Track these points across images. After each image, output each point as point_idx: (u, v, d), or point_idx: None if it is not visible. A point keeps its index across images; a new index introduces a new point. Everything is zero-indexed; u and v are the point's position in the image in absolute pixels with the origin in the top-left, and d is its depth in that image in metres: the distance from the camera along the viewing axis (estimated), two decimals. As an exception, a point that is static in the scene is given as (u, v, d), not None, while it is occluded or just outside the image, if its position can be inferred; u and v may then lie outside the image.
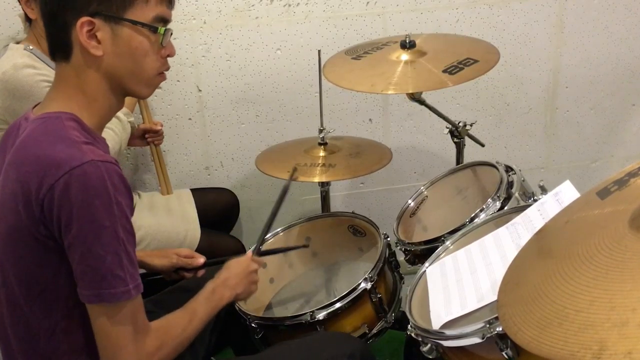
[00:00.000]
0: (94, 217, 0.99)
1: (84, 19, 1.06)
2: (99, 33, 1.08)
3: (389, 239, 1.67)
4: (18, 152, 1.08)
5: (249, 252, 1.48)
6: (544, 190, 1.42)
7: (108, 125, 1.78)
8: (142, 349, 1.08)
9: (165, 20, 1.14)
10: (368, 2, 2.26)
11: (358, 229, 1.82)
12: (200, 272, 1.57)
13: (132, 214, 1.08)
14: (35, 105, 1.18)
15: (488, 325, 1.04)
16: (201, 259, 1.58)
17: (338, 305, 1.48)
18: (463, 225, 1.50)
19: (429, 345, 1.17)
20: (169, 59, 1.19)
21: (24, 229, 1.04)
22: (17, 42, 1.84)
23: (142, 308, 1.09)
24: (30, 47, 1.79)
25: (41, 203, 1.01)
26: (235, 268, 1.39)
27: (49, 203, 1.00)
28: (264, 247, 1.74)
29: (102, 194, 1.00)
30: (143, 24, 1.10)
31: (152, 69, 1.15)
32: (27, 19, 1.84)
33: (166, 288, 1.62)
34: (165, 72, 1.20)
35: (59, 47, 1.11)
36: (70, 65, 1.11)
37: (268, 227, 1.57)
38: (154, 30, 1.12)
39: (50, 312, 1.09)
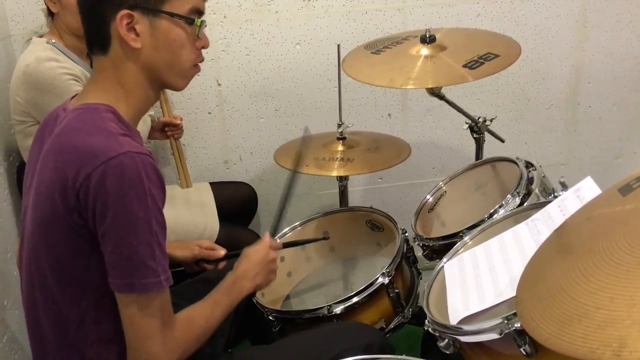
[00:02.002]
0: (128, 208, 1.01)
1: (124, 11, 1.08)
2: (138, 26, 1.10)
3: (406, 234, 1.67)
4: (56, 141, 1.10)
5: (266, 238, 1.43)
6: (564, 187, 1.41)
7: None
8: (169, 340, 1.09)
9: (200, 12, 1.16)
10: (388, -3, 2.25)
11: (376, 224, 1.82)
12: (221, 264, 1.58)
13: (164, 206, 1.09)
14: (73, 97, 1.20)
15: (506, 321, 1.03)
16: (222, 251, 1.59)
17: (355, 299, 1.48)
18: (482, 221, 1.49)
19: (446, 340, 1.17)
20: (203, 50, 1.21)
21: (59, 216, 1.06)
22: (40, 36, 1.86)
23: (169, 300, 1.11)
24: (53, 41, 1.82)
25: (77, 192, 1.02)
26: (254, 257, 1.38)
27: (84, 192, 1.02)
28: (284, 240, 1.75)
29: (137, 186, 1.01)
30: (180, 16, 1.12)
31: (188, 61, 1.17)
32: (50, 13, 1.86)
33: (186, 280, 1.63)
34: (200, 64, 1.21)
35: (96, 40, 1.13)
36: (108, 57, 1.13)
37: (281, 212, 1.56)
38: (191, 22, 1.13)
39: (81, 300, 1.11)
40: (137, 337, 1.07)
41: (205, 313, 1.21)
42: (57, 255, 1.09)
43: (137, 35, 1.10)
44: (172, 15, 1.11)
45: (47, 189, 1.08)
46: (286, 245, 1.59)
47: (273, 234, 1.51)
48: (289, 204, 1.55)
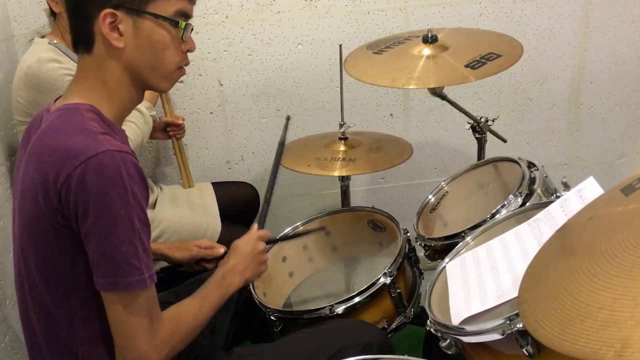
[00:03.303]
0: (109, 207, 1.01)
1: (107, 10, 1.08)
2: (121, 25, 1.09)
3: (408, 234, 1.67)
4: (37, 142, 1.10)
5: (254, 228, 1.42)
6: (567, 187, 1.41)
7: (130, 118, 1.80)
8: (156, 337, 1.09)
9: (186, 15, 1.15)
10: (390, -3, 2.25)
11: (378, 224, 1.82)
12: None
13: (147, 205, 1.09)
14: (58, 98, 1.20)
15: (508, 322, 1.03)
16: (221, 249, 1.59)
17: (357, 299, 1.48)
18: (484, 221, 1.49)
19: (448, 340, 1.17)
20: (189, 53, 1.20)
21: (43, 218, 1.06)
22: (42, 37, 1.86)
23: (156, 298, 1.11)
24: (55, 41, 1.82)
25: (59, 192, 1.02)
26: (242, 250, 1.36)
27: (66, 192, 1.02)
28: (280, 235, 1.75)
29: (117, 184, 1.01)
30: (164, 18, 1.11)
31: (171, 63, 1.16)
32: (52, 13, 1.86)
33: (187, 279, 1.63)
34: (185, 67, 1.21)
35: (81, 39, 1.13)
36: (92, 57, 1.13)
37: (271, 191, 1.55)
38: (175, 24, 1.13)
39: (69, 300, 1.11)
40: (124, 335, 1.08)
41: (194, 309, 1.20)
42: (43, 257, 1.09)
43: (120, 34, 1.10)
44: (156, 16, 1.11)
45: (30, 191, 1.08)
46: (282, 238, 1.58)
47: (262, 224, 1.49)
48: (274, 190, 1.56)
